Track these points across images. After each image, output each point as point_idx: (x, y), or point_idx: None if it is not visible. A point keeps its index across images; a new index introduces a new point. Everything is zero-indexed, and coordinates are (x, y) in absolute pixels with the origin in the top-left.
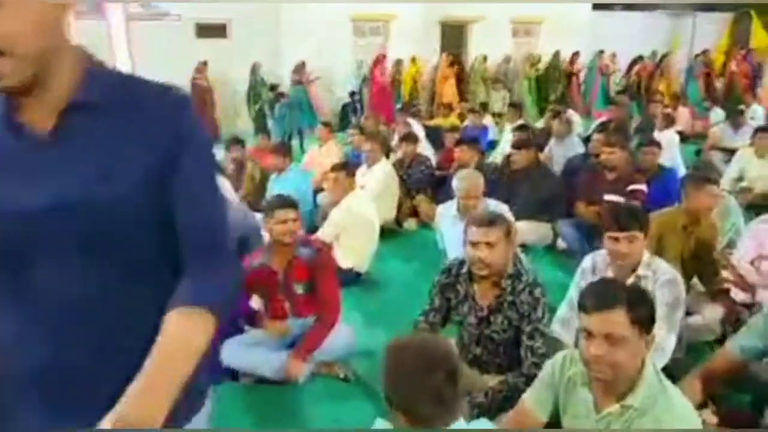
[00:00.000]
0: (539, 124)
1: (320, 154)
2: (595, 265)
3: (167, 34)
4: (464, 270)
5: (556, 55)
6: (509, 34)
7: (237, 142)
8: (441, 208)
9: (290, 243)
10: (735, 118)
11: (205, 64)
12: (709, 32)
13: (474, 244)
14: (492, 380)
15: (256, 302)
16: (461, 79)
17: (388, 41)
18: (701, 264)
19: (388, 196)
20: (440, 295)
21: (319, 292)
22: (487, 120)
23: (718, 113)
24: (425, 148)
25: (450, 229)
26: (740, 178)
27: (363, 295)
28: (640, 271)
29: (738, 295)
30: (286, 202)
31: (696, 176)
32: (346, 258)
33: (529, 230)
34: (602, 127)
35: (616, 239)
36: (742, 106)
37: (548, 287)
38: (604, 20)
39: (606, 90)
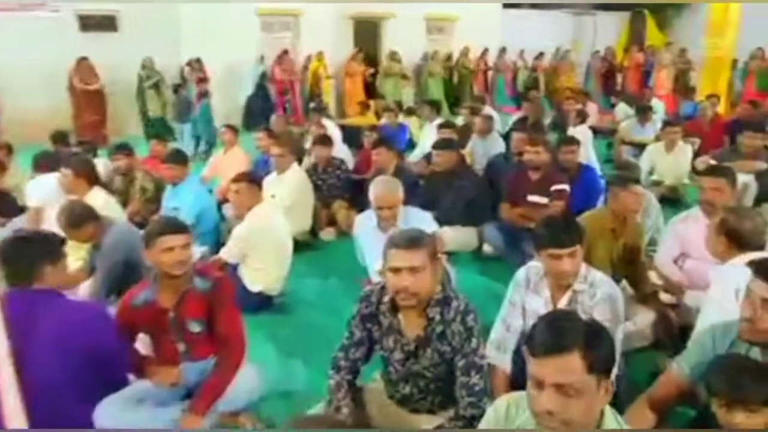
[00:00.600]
0: (458, 121)
1: (225, 161)
2: (528, 278)
3: (45, 28)
4: (386, 298)
5: (465, 52)
6: (424, 31)
7: (123, 148)
8: (360, 218)
9: (181, 275)
10: (643, 113)
11: (84, 59)
12: (610, 30)
13: (395, 271)
14: (425, 422)
15: (141, 345)
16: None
17: (299, 37)
18: (630, 267)
19: (301, 206)
20: (360, 327)
21: (218, 329)
22: (404, 118)
23: (623, 108)
24: (340, 150)
25: (371, 241)
26: (651, 172)
27: (276, 322)
28: (577, 285)
29: (662, 296)
30: (173, 226)
31: (621, 177)
32: (254, 281)
33: (454, 237)
34: (520, 124)
35: (558, 257)
36: (653, 101)
37: (476, 296)
38: (513, 18)
39: (503, 87)
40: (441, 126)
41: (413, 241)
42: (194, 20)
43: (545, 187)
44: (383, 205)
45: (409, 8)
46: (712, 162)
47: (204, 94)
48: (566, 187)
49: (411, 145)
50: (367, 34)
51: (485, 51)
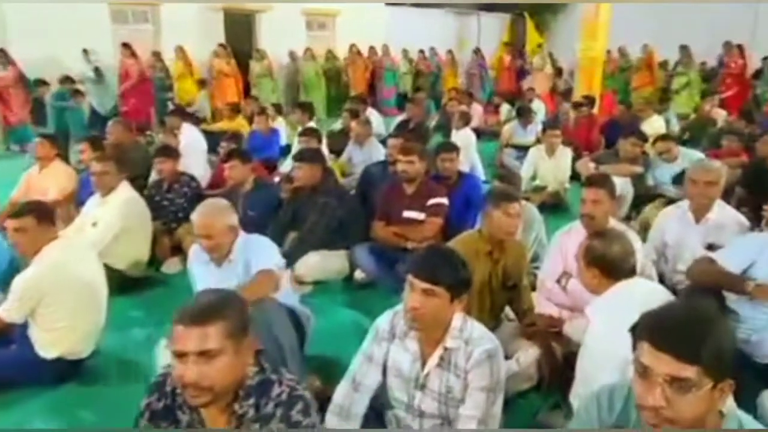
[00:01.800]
0: (338, 125)
1: (41, 180)
2: (393, 326)
3: None
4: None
5: (354, 48)
6: (303, 27)
7: None
8: (195, 248)
9: None
10: (524, 115)
11: None
12: (493, 31)
13: (180, 356)
14: None
15: None
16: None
17: (160, 31)
18: (511, 292)
19: (134, 233)
20: (150, 428)
21: None
22: (280, 122)
23: (506, 109)
24: (197, 162)
25: (204, 278)
26: (534, 177)
27: (82, 398)
28: (449, 341)
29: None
30: None
31: (495, 194)
32: (49, 344)
33: (320, 263)
34: (400, 129)
35: (410, 286)
36: (534, 103)
37: (347, 333)
38: (398, 16)
39: (387, 88)
40: (302, 133)
41: (205, 313)
42: (25, 8)
43: (421, 201)
44: (202, 233)
45: (286, 2)
46: (592, 165)
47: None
48: (444, 200)
49: (287, 151)
50: (239, 28)
51: (371, 49)
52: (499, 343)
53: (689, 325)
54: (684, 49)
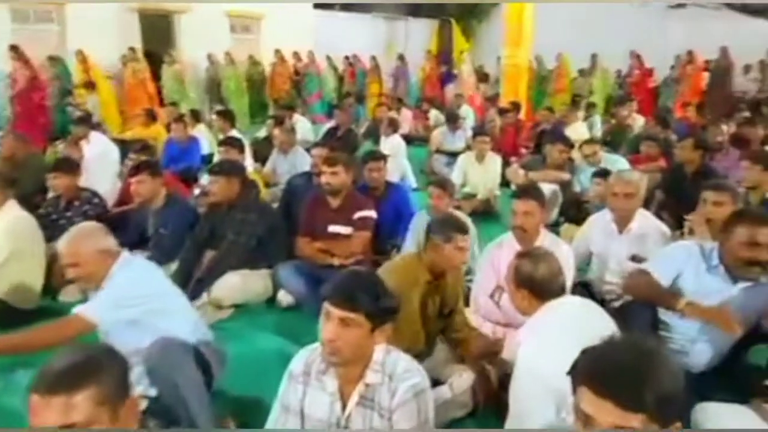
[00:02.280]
0: (263, 132)
1: None
2: (309, 365)
3: None
4: None
5: (278, 54)
6: (227, 29)
7: None
8: None
9: None
10: (452, 121)
11: None
12: (421, 36)
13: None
14: None
15: None
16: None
17: (66, 30)
18: (447, 319)
19: (24, 259)
20: None
21: None
22: (201, 130)
23: (435, 115)
24: (107, 177)
25: None
26: (464, 184)
27: None
28: (370, 376)
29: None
30: None
31: (447, 225)
32: None
33: (240, 285)
34: (328, 136)
35: (327, 315)
36: (463, 109)
37: (270, 362)
38: (325, 21)
39: (312, 93)
40: (222, 143)
41: (69, 378)
42: None
43: (348, 215)
44: (67, 261)
45: (208, 2)
46: (521, 172)
47: None
48: (371, 213)
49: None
50: (157, 30)
51: (295, 54)
52: (426, 375)
53: (633, 369)
54: (593, 57)
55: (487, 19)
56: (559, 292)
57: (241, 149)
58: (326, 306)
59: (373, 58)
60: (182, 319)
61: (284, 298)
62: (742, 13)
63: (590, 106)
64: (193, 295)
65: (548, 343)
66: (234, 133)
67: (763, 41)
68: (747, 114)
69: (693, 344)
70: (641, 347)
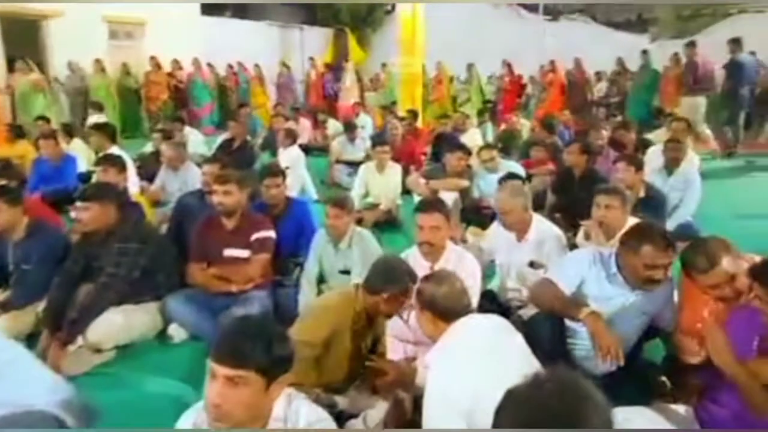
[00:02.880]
0: (149, 147)
1: None
2: (197, 421)
3: None
4: None
5: (154, 60)
6: (106, 35)
7: None
8: None
9: None
10: (349, 130)
11: None
12: (316, 45)
13: None
14: None
15: None
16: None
17: None
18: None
19: None
20: None
21: None
22: (77, 146)
23: (333, 124)
24: None
25: None
26: (366, 194)
27: None
28: (274, 423)
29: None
30: None
31: (378, 278)
32: None
33: (122, 324)
34: (222, 150)
35: (212, 375)
36: (361, 117)
37: (160, 410)
38: (215, 28)
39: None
40: (98, 162)
41: None
42: None
43: (244, 237)
44: None
45: (83, 6)
46: (422, 181)
47: None
48: (270, 233)
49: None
50: (22, 35)
51: (174, 62)
52: (331, 418)
53: (563, 416)
54: (470, 66)
55: (381, 28)
56: (465, 311)
57: (122, 167)
58: (210, 363)
59: (257, 66)
60: (36, 385)
61: (176, 332)
62: (607, 26)
63: (482, 113)
64: (67, 340)
65: (457, 365)
66: (114, 149)
67: (624, 51)
68: (620, 119)
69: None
70: (570, 390)
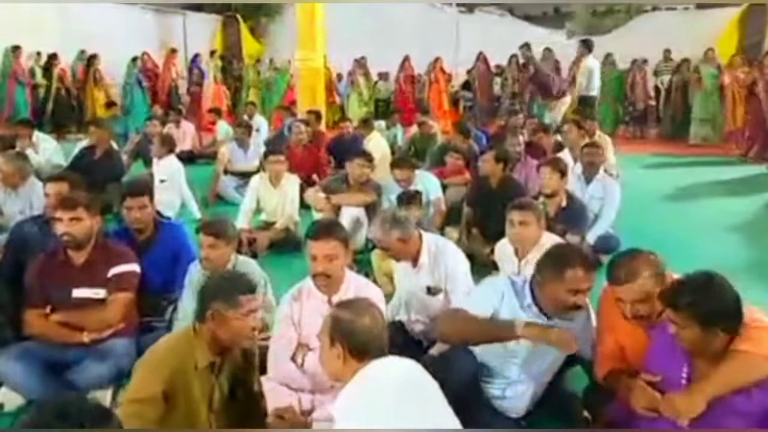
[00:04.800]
0: None
1: None
2: None
3: None
4: None
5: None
6: None
7: None
8: None
9: None
10: (242, 134)
11: None
12: (202, 34)
13: None
14: None
15: None
16: None
17: None
18: (245, 405)
19: None
20: None
21: None
22: None
23: (224, 127)
24: None
25: None
26: (259, 211)
27: None
28: None
29: None
30: None
31: (224, 286)
32: None
33: None
34: (79, 161)
35: None
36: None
37: None
38: (72, 12)
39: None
40: None
41: None
42: None
43: (98, 273)
44: None
45: None
46: (321, 195)
47: None
48: (133, 267)
49: None
50: None
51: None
52: None
53: None
54: (357, 62)
55: (280, 16)
56: (380, 352)
57: None
58: None
59: (92, 57)
60: None
61: (8, 398)
62: (523, 20)
63: (390, 115)
64: None
65: (370, 418)
66: None
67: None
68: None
69: (513, 387)
70: None
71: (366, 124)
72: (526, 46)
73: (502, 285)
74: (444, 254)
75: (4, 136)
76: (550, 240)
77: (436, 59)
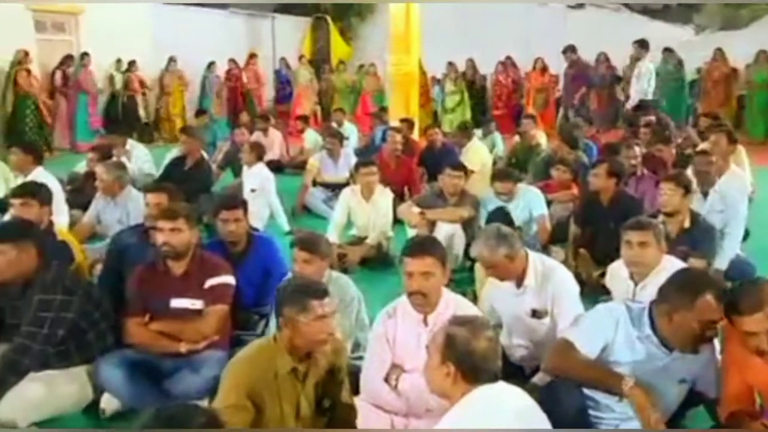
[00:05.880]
0: (83, 167)
1: None
2: None
3: None
4: None
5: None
6: (31, 28)
7: None
8: None
9: None
10: (331, 143)
11: None
12: (291, 37)
13: None
14: None
15: None
16: None
17: None
18: (332, 416)
19: None
20: None
21: None
22: None
23: (312, 135)
24: None
25: None
26: (349, 226)
27: None
28: None
29: None
30: None
31: (296, 290)
32: None
33: (43, 395)
34: (171, 172)
35: None
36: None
37: None
38: (166, 17)
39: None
40: (15, 194)
41: None
42: None
43: (196, 284)
44: None
45: None
46: (416, 209)
47: None
48: (229, 279)
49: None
50: None
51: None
52: None
53: None
54: (451, 65)
55: (372, 16)
56: (492, 377)
57: (47, 200)
58: None
59: (172, 60)
60: None
61: (108, 404)
62: (643, 15)
63: (488, 122)
64: None
65: None
66: (39, 172)
67: (661, 45)
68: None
69: (627, 423)
70: None
71: (464, 131)
72: (570, 49)
73: (617, 312)
74: (552, 275)
75: (102, 146)
76: (671, 264)
77: (536, 60)
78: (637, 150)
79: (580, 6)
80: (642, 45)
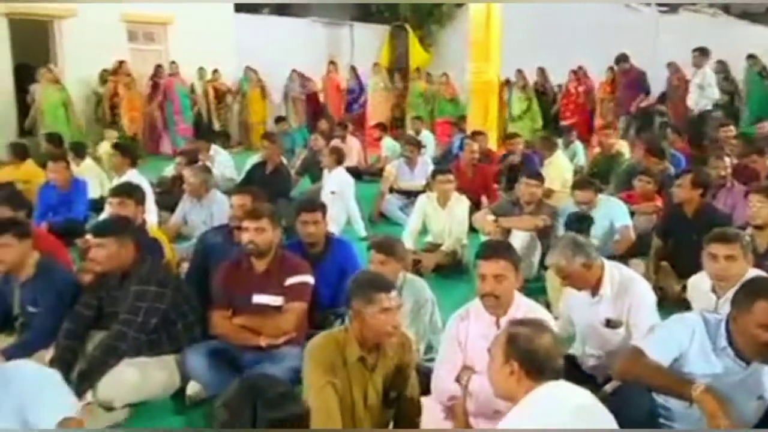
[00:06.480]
0: (170, 170)
1: None
2: None
3: None
4: None
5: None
6: (124, 37)
7: None
8: None
9: None
10: (410, 151)
11: None
12: (369, 45)
13: None
14: None
15: None
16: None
17: None
18: (399, 409)
19: None
20: None
21: None
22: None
23: (389, 143)
24: None
25: None
26: (424, 232)
27: None
28: None
29: None
30: None
31: (364, 284)
32: None
33: (137, 379)
34: (252, 176)
35: None
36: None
37: None
38: (251, 26)
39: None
40: (115, 192)
41: None
42: None
43: (277, 281)
44: None
45: (98, 6)
46: (491, 217)
47: None
48: (308, 278)
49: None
50: (33, 39)
51: (215, 72)
52: None
53: None
54: (520, 72)
55: (451, 23)
56: (556, 374)
57: (141, 199)
58: None
59: (251, 70)
60: None
61: (195, 391)
62: (741, 19)
63: (568, 131)
64: (75, 394)
65: None
66: (133, 173)
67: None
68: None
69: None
70: None
71: (547, 142)
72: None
73: (693, 322)
74: (628, 284)
75: (189, 151)
76: None
77: (610, 68)
78: (727, 161)
79: (674, 11)
80: (703, 53)
